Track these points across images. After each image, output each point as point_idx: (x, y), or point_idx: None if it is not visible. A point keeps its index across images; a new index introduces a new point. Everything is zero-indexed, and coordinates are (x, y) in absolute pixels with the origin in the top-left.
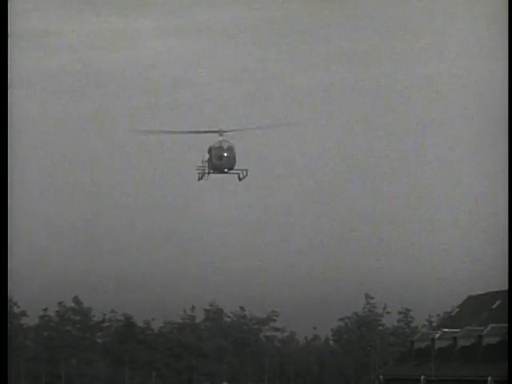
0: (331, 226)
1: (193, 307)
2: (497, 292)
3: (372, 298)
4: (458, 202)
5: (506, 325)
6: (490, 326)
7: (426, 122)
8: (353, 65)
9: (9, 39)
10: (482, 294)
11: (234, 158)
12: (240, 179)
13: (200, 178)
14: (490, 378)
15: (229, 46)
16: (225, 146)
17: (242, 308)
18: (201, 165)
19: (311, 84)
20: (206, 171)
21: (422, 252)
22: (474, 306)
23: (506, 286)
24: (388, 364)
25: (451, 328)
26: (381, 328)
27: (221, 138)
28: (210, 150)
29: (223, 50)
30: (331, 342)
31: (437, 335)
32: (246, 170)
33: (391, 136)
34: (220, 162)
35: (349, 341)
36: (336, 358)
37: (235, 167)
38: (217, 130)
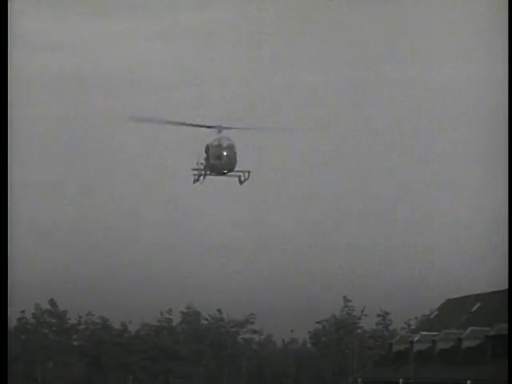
0: (310, 228)
1: (170, 310)
2: (476, 295)
3: (350, 300)
4: (439, 204)
5: (486, 328)
6: (470, 329)
7: (424, 123)
8: (350, 67)
9: None
10: (461, 297)
11: (235, 157)
12: (241, 182)
13: (195, 181)
14: (469, 382)
15: (218, 48)
16: (224, 143)
17: (219, 311)
18: (196, 166)
19: (304, 86)
20: (203, 173)
21: (402, 254)
22: (453, 309)
23: (485, 289)
24: (366, 367)
25: (430, 331)
26: (359, 331)
27: (220, 135)
28: (207, 149)
29: (213, 53)
30: (309, 345)
31: (415, 338)
32: (249, 172)
33: (390, 137)
34: (219, 162)
35: (327, 344)
36: (314, 360)
37: (236, 168)
38: (215, 125)
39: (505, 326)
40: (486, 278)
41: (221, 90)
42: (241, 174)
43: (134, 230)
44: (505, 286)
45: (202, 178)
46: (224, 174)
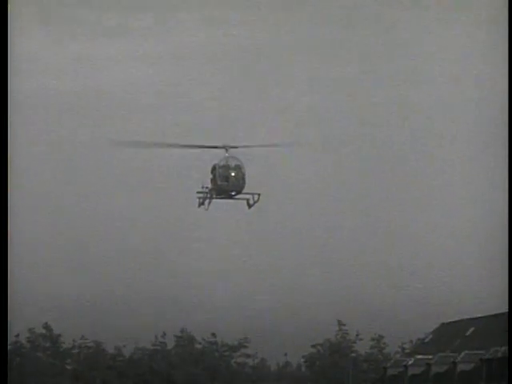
0: (303, 251)
1: (164, 334)
2: (470, 319)
3: (344, 324)
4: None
5: (480, 351)
6: (464, 352)
7: (425, 128)
8: (348, 67)
9: None
10: (455, 321)
11: (244, 178)
12: (250, 206)
13: (201, 204)
14: None
15: (205, 70)
16: (232, 163)
17: (213, 334)
18: (200, 190)
19: (293, 106)
20: (208, 196)
21: (396, 277)
22: (447, 333)
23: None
24: None
25: (425, 355)
26: (353, 354)
27: (227, 155)
28: (213, 169)
29: (198, 75)
30: (303, 369)
31: (410, 362)
32: (259, 194)
33: (394, 154)
34: (226, 183)
35: (321, 367)
36: None
37: (244, 190)
38: (221, 145)
39: (498, 349)
40: (484, 302)
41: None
42: (249, 196)
43: (130, 255)
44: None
45: (207, 201)
46: (232, 196)
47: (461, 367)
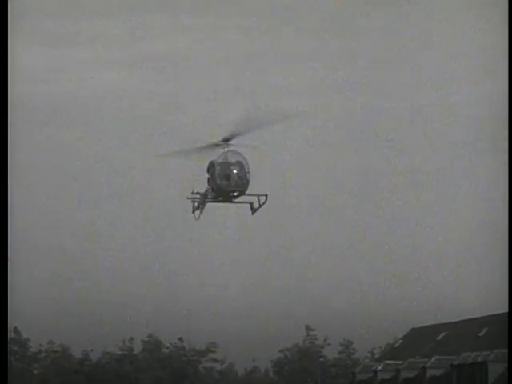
0: (269, 256)
1: (131, 338)
2: (441, 324)
3: (312, 329)
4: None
5: (451, 357)
6: (434, 357)
7: (425, 128)
8: (348, 70)
9: None
10: (425, 326)
11: (247, 177)
12: (254, 210)
13: (196, 208)
14: None
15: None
16: (233, 159)
17: (180, 339)
18: (191, 196)
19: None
20: (204, 199)
21: (364, 282)
22: (418, 338)
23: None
24: None
25: (394, 360)
26: (322, 360)
27: (226, 149)
28: (210, 167)
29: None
30: (271, 374)
31: (379, 367)
32: (266, 195)
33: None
34: (226, 182)
35: (289, 372)
36: None
37: (247, 191)
38: (219, 141)
39: (470, 354)
40: (457, 307)
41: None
42: (254, 199)
43: (99, 260)
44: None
45: (202, 205)
46: (233, 197)
47: (431, 373)
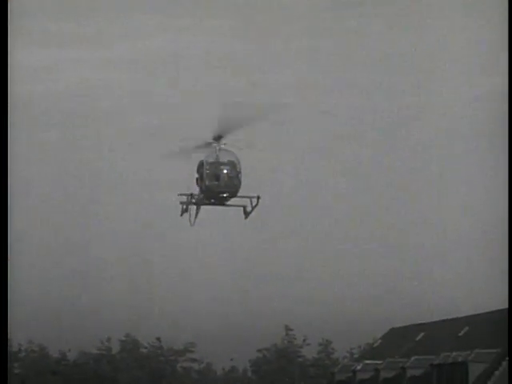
0: (247, 255)
1: (109, 338)
2: (420, 324)
3: (291, 329)
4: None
5: (430, 357)
6: (414, 357)
7: (425, 127)
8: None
9: None
10: (404, 326)
11: (238, 177)
12: (247, 214)
13: (185, 211)
14: None
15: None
16: (224, 158)
17: (158, 339)
18: (184, 200)
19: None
20: (193, 200)
21: (344, 281)
22: (397, 338)
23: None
24: None
25: (373, 360)
26: (300, 359)
27: (217, 147)
28: (200, 167)
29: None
30: (249, 373)
31: (358, 367)
32: (258, 197)
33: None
34: (216, 183)
35: (267, 372)
36: None
37: (239, 193)
38: (210, 139)
39: (449, 354)
40: (435, 307)
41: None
42: (246, 201)
43: (76, 259)
44: None
45: (191, 207)
46: (223, 199)
47: (410, 372)
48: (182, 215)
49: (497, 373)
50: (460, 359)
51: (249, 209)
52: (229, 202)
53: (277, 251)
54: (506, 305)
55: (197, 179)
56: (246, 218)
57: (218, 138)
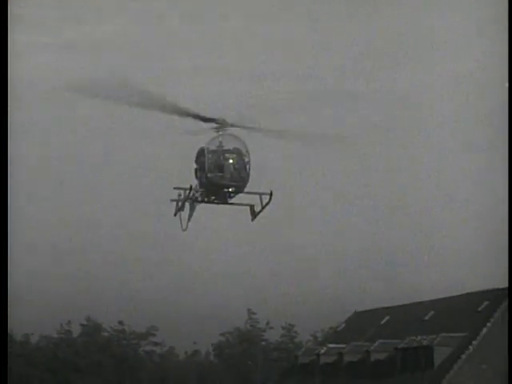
0: (213, 238)
1: (69, 322)
2: (385, 308)
3: (254, 313)
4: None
5: (395, 341)
6: (378, 341)
7: (425, 127)
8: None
9: None
10: (369, 310)
11: (246, 169)
12: (255, 214)
13: (179, 209)
14: None
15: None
16: (229, 145)
17: (120, 323)
18: (177, 198)
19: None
20: (190, 196)
21: (307, 266)
22: (361, 322)
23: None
24: (271, 379)
25: (337, 343)
26: (264, 343)
27: (220, 133)
28: (200, 155)
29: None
30: (212, 357)
31: (322, 350)
32: (270, 194)
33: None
34: (219, 174)
35: (230, 356)
36: (217, 373)
37: (247, 188)
38: (213, 122)
39: (415, 338)
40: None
41: None
42: (255, 199)
43: (42, 247)
44: None
45: (186, 205)
46: (228, 195)
47: (375, 356)
48: (175, 215)
49: (463, 356)
50: (425, 343)
51: (258, 208)
52: (233, 200)
53: (242, 233)
54: (475, 288)
55: (196, 170)
56: (252, 219)
57: (220, 123)
